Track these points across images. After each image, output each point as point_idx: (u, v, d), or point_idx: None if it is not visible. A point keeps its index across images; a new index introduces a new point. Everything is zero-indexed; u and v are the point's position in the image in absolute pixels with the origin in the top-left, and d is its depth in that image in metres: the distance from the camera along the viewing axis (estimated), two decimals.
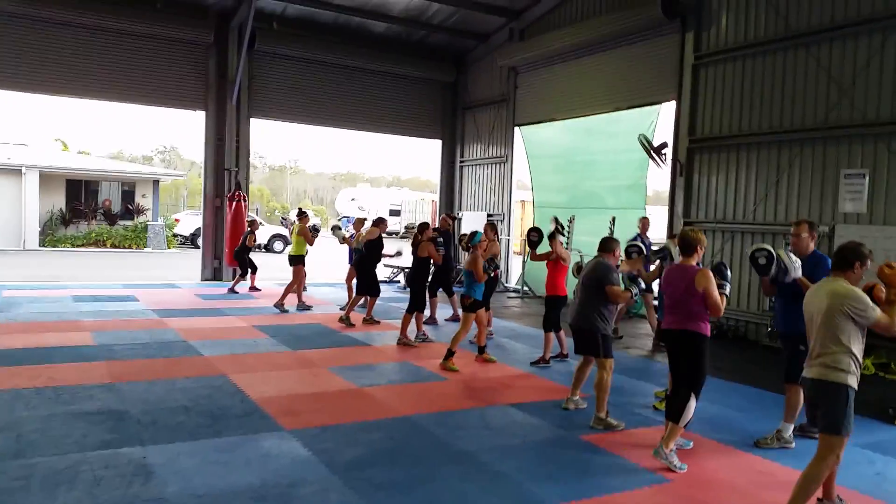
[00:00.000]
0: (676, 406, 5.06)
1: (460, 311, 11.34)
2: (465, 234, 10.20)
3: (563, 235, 8.72)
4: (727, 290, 5.15)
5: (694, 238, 5.28)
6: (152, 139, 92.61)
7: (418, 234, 9.48)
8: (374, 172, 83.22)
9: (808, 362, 4.25)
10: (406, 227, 11.83)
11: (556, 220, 9.78)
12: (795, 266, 5.41)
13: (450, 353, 7.81)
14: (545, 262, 8.56)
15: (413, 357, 8.54)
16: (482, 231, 9.03)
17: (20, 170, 24.94)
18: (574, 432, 5.77)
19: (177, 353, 8.28)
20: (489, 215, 16.88)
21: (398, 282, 16.74)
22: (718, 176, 11.51)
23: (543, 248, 8.68)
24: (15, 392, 6.26)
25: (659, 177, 13.63)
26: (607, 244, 6.31)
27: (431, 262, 9.59)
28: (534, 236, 8.64)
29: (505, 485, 4.63)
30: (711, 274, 5.14)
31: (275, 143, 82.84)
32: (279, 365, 7.86)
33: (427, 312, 10.22)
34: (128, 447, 4.98)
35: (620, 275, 6.36)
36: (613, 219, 12.73)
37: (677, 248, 5.72)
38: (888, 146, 9.13)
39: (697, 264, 5.23)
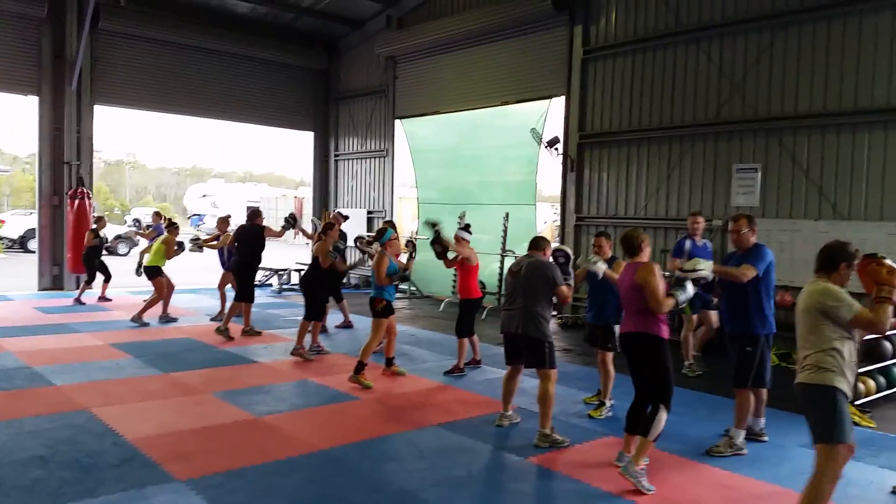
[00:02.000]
0: (645, 418, 4.57)
1: (351, 318, 10.57)
2: (361, 236, 9.27)
3: (469, 233, 8.02)
4: (679, 297, 4.66)
5: (635, 237, 4.90)
6: None
7: (321, 235, 8.49)
8: (224, 167, 78.94)
9: (797, 369, 3.89)
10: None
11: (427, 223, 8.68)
12: (700, 270, 4.95)
13: (361, 366, 6.92)
14: (453, 266, 7.95)
15: (312, 373, 7.55)
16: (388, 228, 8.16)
17: None
18: (519, 454, 5.13)
19: (20, 383, 6.77)
20: (369, 212, 16.02)
21: (270, 285, 15.46)
22: (609, 171, 11.39)
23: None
24: None
25: (545, 174, 13.48)
26: (538, 243, 5.76)
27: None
28: (437, 248, 7.93)
29: None
30: (656, 267, 4.72)
31: (110, 135, 75.98)
32: (152, 393, 6.60)
33: None
34: None
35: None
36: (507, 215, 12.41)
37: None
38: (779, 141, 9.31)
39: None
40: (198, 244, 10.60)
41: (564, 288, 5.45)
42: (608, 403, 6.16)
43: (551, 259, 5.82)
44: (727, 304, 5.44)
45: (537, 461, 4.99)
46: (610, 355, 6.14)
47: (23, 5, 12.82)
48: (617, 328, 6.11)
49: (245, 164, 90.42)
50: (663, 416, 4.56)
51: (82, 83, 13.61)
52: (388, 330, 7.35)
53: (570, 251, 5.92)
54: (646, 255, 4.90)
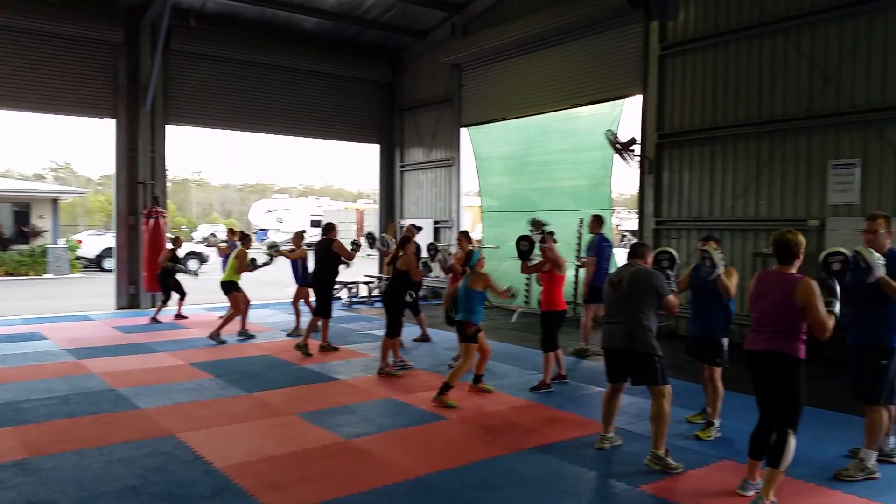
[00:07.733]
0: (774, 447, 4.15)
1: (428, 331, 10.35)
2: (433, 248, 8.99)
3: (555, 241, 7.63)
4: (836, 308, 4.28)
5: (794, 241, 4.31)
6: (43, 155, 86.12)
7: (399, 249, 8.31)
8: (285, 182, 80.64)
9: None
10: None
11: (535, 222, 8.87)
12: (879, 263, 4.60)
13: (447, 387, 6.66)
14: (536, 273, 7.62)
15: (395, 391, 7.32)
16: (456, 241, 7.96)
17: None
18: (629, 482, 4.75)
19: (105, 406, 6.74)
20: (436, 222, 15.83)
21: (339, 298, 15.39)
22: (692, 172, 10.87)
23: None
24: None
25: (620, 177, 12.98)
26: (638, 249, 5.38)
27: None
28: (524, 245, 7.61)
29: None
30: (816, 285, 4.24)
31: (175, 153, 78.40)
32: (237, 415, 6.47)
33: None
34: None
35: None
36: (582, 221, 12.00)
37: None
38: (880, 133, 8.66)
39: (798, 272, 4.33)
40: (275, 250, 10.58)
41: (672, 297, 5.08)
42: (717, 423, 5.72)
43: (653, 264, 5.45)
44: (855, 314, 4.93)
45: (651, 490, 4.60)
46: (719, 371, 5.70)
47: (101, 31, 13.10)
48: (725, 341, 5.72)
49: (304, 179, 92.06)
50: (792, 443, 4.13)
51: (155, 104, 13.85)
52: (481, 349, 7.08)
53: (675, 253, 5.53)
54: (799, 262, 4.37)
